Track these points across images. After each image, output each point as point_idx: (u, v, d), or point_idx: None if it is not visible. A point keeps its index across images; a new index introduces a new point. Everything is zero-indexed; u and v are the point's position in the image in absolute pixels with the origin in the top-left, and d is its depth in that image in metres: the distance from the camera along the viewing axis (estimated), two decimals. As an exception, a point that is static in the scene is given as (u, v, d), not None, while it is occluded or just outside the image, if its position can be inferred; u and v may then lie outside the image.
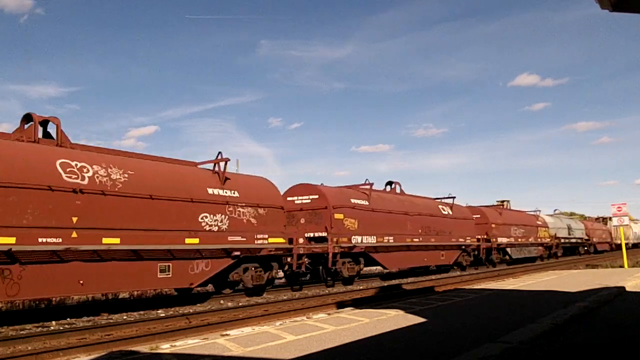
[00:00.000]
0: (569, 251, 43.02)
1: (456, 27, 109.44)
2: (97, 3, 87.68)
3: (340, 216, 18.12)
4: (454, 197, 26.24)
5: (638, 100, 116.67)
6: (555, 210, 47.97)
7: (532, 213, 37.60)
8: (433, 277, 21.69)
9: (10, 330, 9.35)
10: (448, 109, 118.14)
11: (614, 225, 39.27)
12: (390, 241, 20.33)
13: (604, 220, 54.63)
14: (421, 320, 8.37)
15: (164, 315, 11.26)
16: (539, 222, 36.90)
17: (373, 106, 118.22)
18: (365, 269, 20.97)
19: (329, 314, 9.82)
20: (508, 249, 31.10)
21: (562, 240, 40.08)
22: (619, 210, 22.06)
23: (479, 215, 29.35)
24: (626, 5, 4.26)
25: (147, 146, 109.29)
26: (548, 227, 37.69)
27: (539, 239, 35.83)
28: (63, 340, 8.35)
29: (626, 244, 52.18)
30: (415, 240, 21.91)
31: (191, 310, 11.79)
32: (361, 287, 17.32)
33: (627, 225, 51.74)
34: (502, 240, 30.29)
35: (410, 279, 20.67)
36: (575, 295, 11.19)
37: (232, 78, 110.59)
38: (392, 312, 9.28)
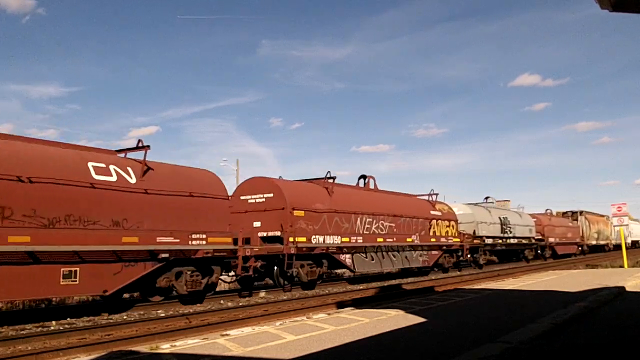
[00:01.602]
0: (507, 256, 31.56)
1: (456, 27, 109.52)
2: (98, 3, 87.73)
3: None
4: (147, 147, 12.18)
5: (638, 100, 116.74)
6: (486, 198, 32.61)
7: (425, 197, 24.22)
8: (433, 277, 21.63)
9: (10, 330, 9.35)
10: (448, 109, 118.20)
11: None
12: None
13: (574, 215, 44.75)
14: (421, 320, 8.37)
15: (164, 315, 11.26)
16: (436, 213, 23.28)
17: (373, 106, 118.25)
18: None
19: (329, 314, 9.82)
20: (345, 257, 17.78)
21: (489, 241, 27.73)
22: (619, 210, 22.06)
23: (271, 195, 16.36)
24: (626, 5, 4.26)
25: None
26: (456, 221, 24.91)
27: (436, 239, 22.73)
28: (63, 340, 8.36)
29: (590, 245, 44.88)
30: None
31: (191, 310, 11.79)
32: (361, 287, 17.31)
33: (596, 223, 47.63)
34: (324, 239, 16.84)
35: (410, 279, 20.63)
36: (575, 295, 11.19)
37: (232, 78, 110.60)
38: (392, 312, 9.28)
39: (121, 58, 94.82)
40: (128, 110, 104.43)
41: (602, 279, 15.10)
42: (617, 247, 54.25)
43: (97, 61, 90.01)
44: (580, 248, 42.76)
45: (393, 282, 19.32)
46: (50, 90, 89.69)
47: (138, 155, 12.42)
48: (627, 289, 12.79)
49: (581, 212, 45.30)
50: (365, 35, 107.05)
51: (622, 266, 21.96)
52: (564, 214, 45.21)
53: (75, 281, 10.33)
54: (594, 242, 46.33)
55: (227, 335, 7.52)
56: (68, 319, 10.69)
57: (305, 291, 16.42)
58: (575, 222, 43.38)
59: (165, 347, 6.67)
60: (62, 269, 10.13)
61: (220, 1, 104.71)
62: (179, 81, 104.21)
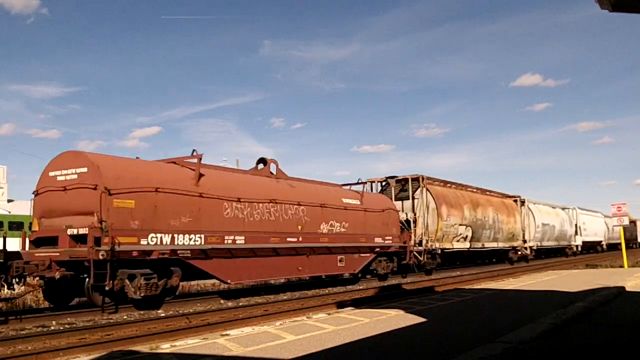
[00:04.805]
0: None
1: (458, 27, 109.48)
2: (100, 3, 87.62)
3: None
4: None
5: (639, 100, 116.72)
6: None
7: None
8: (433, 277, 21.58)
9: (11, 330, 9.35)
10: (450, 109, 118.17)
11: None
12: None
13: (403, 187, 22.99)
14: (421, 320, 8.37)
15: (164, 315, 11.25)
16: None
17: (375, 106, 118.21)
18: None
19: (329, 314, 9.82)
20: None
21: None
22: (619, 210, 22.04)
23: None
24: (625, 5, 4.27)
25: (151, 147, 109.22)
26: None
27: None
28: (63, 340, 8.35)
29: (442, 252, 22.45)
30: None
31: (191, 310, 11.79)
32: (361, 287, 17.31)
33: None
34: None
35: (410, 279, 20.61)
36: (575, 295, 11.19)
37: (234, 78, 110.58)
38: (392, 312, 9.28)
39: (122, 58, 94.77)
40: (130, 110, 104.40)
41: (602, 279, 15.09)
42: (550, 252, 36.77)
43: (98, 61, 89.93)
44: (388, 262, 19.78)
45: (393, 282, 19.29)
46: (51, 90, 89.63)
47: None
48: (627, 289, 12.79)
49: (423, 179, 22.63)
50: (366, 36, 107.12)
51: (622, 266, 21.96)
52: (385, 180, 23.51)
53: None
54: (457, 246, 23.85)
55: (227, 335, 7.52)
56: (68, 319, 10.68)
57: (305, 291, 16.42)
58: (407, 200, 22.71)
59: (165, 347, 6.67)
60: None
61: (223, 1, 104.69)
62: (181, 81, 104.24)
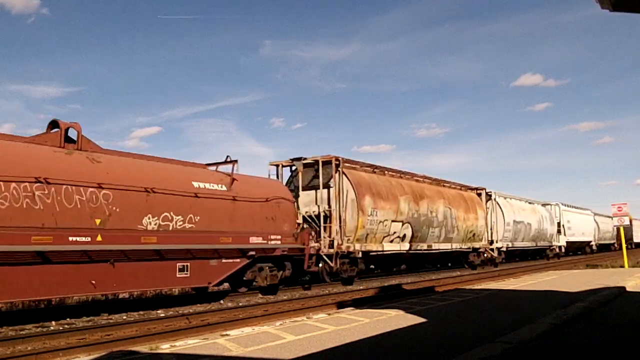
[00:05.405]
0: None
1: (459, 27, 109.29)
2: (100, 2, 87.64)
3: None
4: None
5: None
6: None
7: None
8: (433, 277, 21.59)
9: (10, 330, 9.35)
10: (450, 109, 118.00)
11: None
12: None
13: (317, 172, 17.89)
14: (421, 320, 8.36)
15: (164, 315, 11.26)
16: None
17: (375, 106, 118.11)
18: None
19: (329, 314, 9.82)
20: None
21: None
22: (619, 210, 22.04)
23: None
24: (625, 5, 4.27)
25: (151, 147, 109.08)
26: None
27: None
28: (63, 340, 8.35)
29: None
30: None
31: (191, 310, 11.79)
32: (361, 287, 17.31)
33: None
34: None
35: (410, 279, 20.63)
36: (575, 295, 11.18)
37: (234, 78, 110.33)
38: (392, 312, 9.28)
39: (122, 58, 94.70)
40: (130, 110, 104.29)
41: (603, 279, 15.09)
42: (527, 254, 32.57)
43: (98, 61, 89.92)
44: (274, 270, 14.94)
45: (393, 282, 19.25)
46: (51, 90, 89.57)
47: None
48: (628, 289, 12.79)
49: (339, 162, 17.86)
50: (366, 36, 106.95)
51: (622, 266, 21.96)
52: (292, 164, 18.73)
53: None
54: (390, 247, 19.30)
55: (227, 335, 7.51)
56: (68, 319, 10.68)
57: (306, 291, 16.41)
58: (322, 190, 17.95)
59: (165, 347, 6.66)
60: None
61: (223, 1, 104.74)
62: (181, 81, 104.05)
